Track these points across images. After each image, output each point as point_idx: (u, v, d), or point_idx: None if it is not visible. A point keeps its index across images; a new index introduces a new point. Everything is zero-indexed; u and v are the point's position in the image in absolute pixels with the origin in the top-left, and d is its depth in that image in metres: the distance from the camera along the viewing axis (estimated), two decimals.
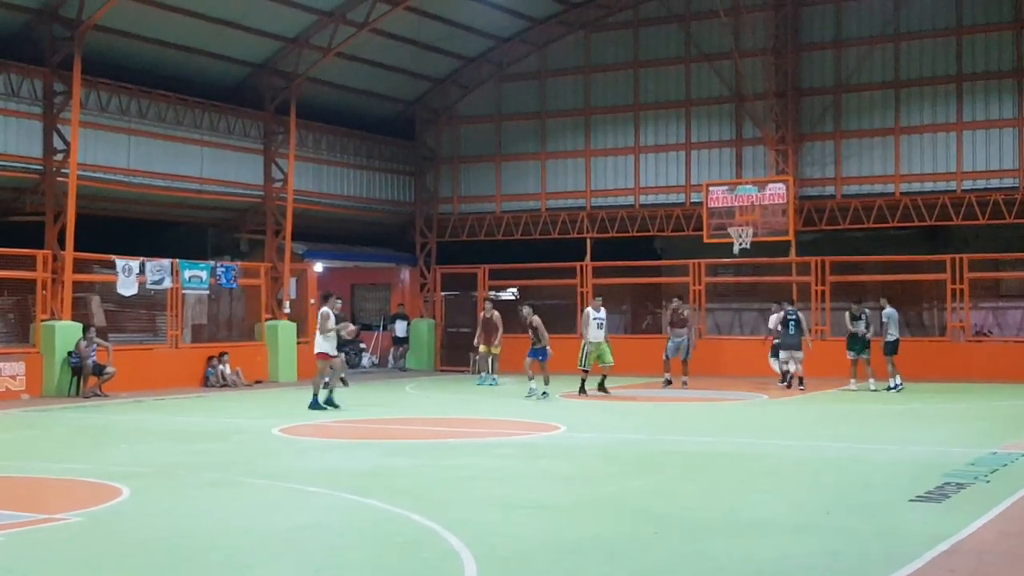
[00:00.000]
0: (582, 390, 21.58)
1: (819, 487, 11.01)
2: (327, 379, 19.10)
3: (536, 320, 21.60)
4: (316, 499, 10.57)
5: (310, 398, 18.89)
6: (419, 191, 31.94)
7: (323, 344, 18.96)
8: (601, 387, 21.82)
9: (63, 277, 22.25)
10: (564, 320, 27.86)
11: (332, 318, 19.10)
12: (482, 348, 25.20)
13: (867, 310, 23.34)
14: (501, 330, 24.91)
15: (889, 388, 22.31)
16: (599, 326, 21.66)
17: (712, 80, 28.78)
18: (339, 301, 25.01)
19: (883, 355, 22.63)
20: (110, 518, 9.52)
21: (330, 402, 18.92)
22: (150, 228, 27.09)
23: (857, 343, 22.80)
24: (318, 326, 19.13)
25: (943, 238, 28.06)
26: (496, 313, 25.11)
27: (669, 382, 23.42)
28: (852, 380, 22.95)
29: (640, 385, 24.56)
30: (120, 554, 8.18)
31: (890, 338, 22.64)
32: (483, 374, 25.19)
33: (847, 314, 23.16)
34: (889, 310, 22.88)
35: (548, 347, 21.61)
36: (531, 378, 21.41)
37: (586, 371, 21.68)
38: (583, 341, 21.84)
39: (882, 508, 9.65)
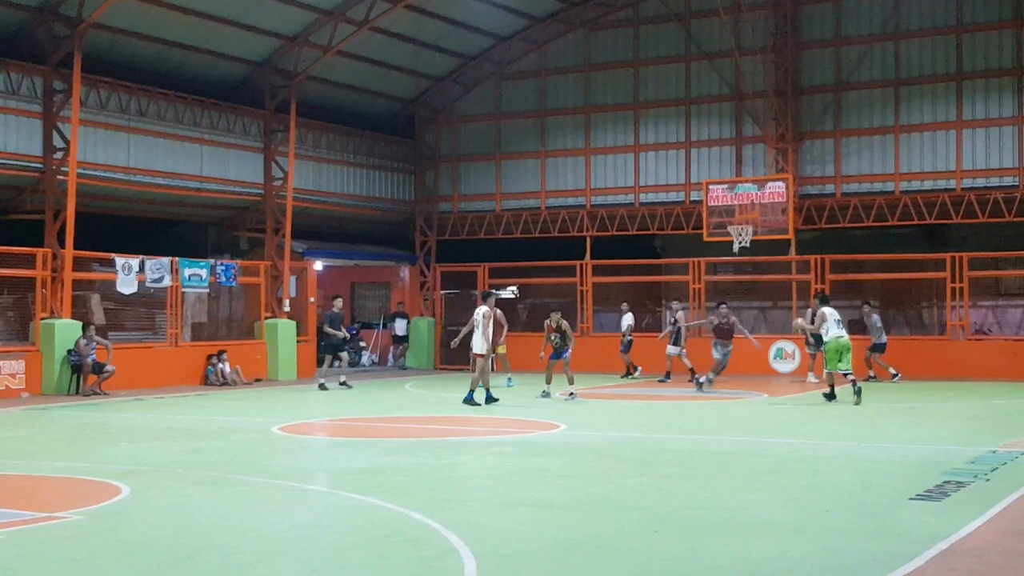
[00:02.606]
0: (832, 395, 19.34)
1: (818, 486, 11.00)
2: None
3: (565, 324, 21.51)
4: (316, 498, 10.59)
5: (485, 394, 19.45)
6: (419, 189, 31.94)
7: (482, 345, 19.49)
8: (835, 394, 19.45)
9: (63, 275, 22.26)
10: (564, 318, 27.73)
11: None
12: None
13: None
14: (506, 328, 24.76)
15: (894, 377, 24.12)
16: (838, 324, 19.40)
17: (712, 78, 28.78)
18: (339, 299, 25.13)
19: (872, 353, 24.34)
20: (110, 516, 9.52)
21: (491, 398, 19.60)
22: (150, 226, 27.11)
23: (817, 340, 23.85)
24: (479, 326, 19.56)
25: (943, 236, 28.08)
26: (499, 311, 24.96)
27: (700, 384, 22.74)
28: (811, 372, 24.37)
29: (642, 383, 24.53)
30: (120, 552, 8.18)
31: (884, 339, 24.42)
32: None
33: (808, 312, 23.90)
34: (877, 315, 24.71)
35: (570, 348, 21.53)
36: (550, 381, 21.17)
37: (851, 375, 19.42)
38: (827, 342, 19.33)
39: (881, 507, 9.64)
